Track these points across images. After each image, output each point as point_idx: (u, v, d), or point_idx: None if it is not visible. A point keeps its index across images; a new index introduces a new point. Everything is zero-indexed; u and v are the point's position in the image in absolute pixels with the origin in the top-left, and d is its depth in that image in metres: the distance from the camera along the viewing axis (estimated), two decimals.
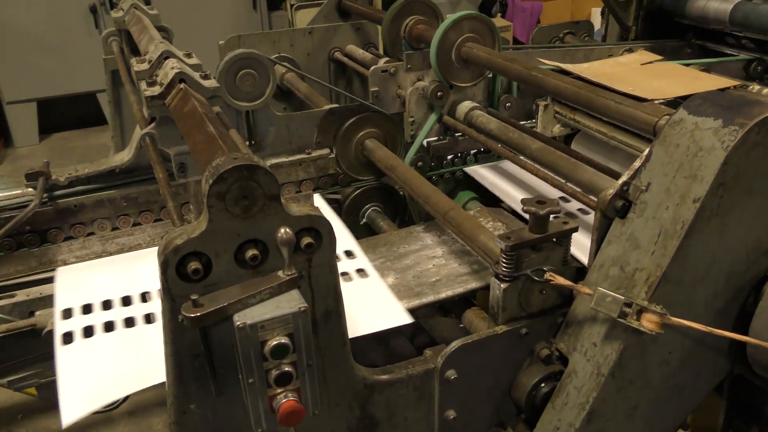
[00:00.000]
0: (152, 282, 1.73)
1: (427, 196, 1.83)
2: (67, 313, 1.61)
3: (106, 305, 1.65)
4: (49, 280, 1.80)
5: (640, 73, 2.17)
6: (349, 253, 1.77)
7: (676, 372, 1.37)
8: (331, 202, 2.28)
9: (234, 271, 1.13)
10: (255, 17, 6.44)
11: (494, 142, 2.11)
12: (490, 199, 2.22)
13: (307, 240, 1.15)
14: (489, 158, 2.37)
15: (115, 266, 1.86)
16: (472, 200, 2.32)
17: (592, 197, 1.68)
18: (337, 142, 2.19)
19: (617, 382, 1.31)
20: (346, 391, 1.35)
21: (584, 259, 1.45)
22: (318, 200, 2.09)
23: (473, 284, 1.71)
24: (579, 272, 1.43)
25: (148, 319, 1.60)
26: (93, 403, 1.34)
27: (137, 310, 1.63)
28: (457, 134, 2.31)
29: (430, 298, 1.67)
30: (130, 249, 2.01)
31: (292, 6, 5.34)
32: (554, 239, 1.37)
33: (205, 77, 1.76)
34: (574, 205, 2.01)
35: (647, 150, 1.30)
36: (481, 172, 2.30)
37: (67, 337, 1.52)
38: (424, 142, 2.31)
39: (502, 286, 1.36)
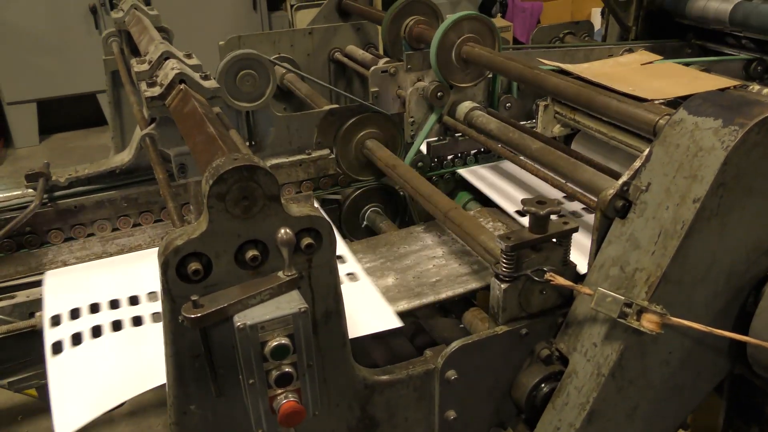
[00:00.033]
0: (141, 285, 1.73)
1: (428, 196, 1.83)
2: (56, 320, 1.60)
3: (94, 309, 1.64)
4: None
5: (640, 73, 2.17)
6: (338, 258, 1.76)
7: (677, 372, 1.37)
8: (331, 203, 2.28)
9: (234, 272, 1.13)
10: (255, 18, 6.44)
11: (494, 142, 2.11)
12: (488, 200, 2.22)
13: (307, 240, 1.15)
14: (489, 158, 2.37)
15: (105, 269, 1.85)
16: (471, 200, 2.32)
17: (592, 197, 1.68)
18: (337, 143, 2.19)
19: (617, 382, 1.31)
20: (347, 391, 1.35)
21: (584, 260, 1.45)
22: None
23: (473, 284, 1.71)
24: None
25: (138, 321, 1.59)
26: (87, 415, 1.33)
27: (126, 313, 1.62)
28: (457, 134, 2.31)
29: (430, 299, 1.67)
30: (131, 250, 2.01)
31: (292, 6, 5.33)
32: (554, 239, 1.37)
33: (205, 78, 1.76)
34: (574, 206, 2.01)
35: (647, 150, 1.30)
36: (478, 173, 2.30)
37: (57, 347, 1.51)
38: (425, 143, 2.31)
39: (503, 286, 1.36)
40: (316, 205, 2.09)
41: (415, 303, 1.66)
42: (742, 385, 1.51)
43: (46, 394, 1.41)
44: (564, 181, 1.81)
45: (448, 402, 1.43)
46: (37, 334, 1.67)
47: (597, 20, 5.79)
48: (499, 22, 6.56)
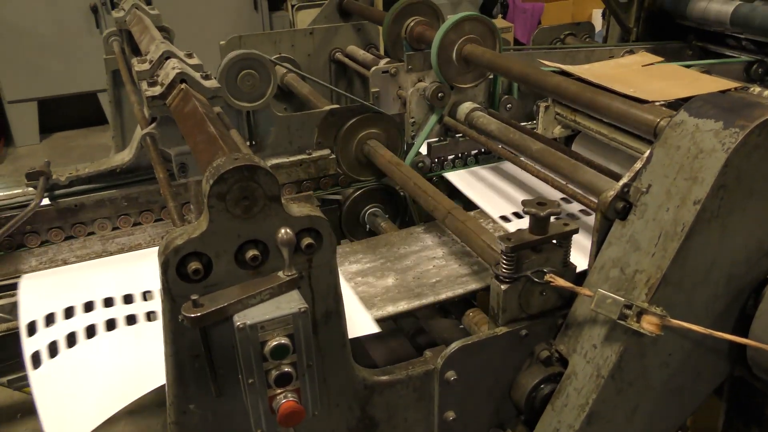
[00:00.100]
0: (117, 288, 1.72)
1: (428, 196, 1.83)
2: (31, 328, 1.58)
3: (70, 314, 1.62)
4: None
5: (640, 75, 2.17)
6: None
7: (676, 374, 1.37)
8: (331, 203, 2.28)
9: (234, 272, 1.13)
10: (256, 18, 6.44)
11: (495, 143, 2.11)
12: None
13: (307, 240, 1.15)
14: (489, 159, 2.37)
15: (82, 272, 1.85)
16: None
17: (592, 199, 1.68)
18: (337, 143, 2.19)
19: (617, 383, 1.31)
20: (346, 391, 1.35)
21: (585, 261, 1.45)
22: None
23: (473, 285, 1.71)
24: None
25: (110, 325, 1.58)
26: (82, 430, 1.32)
27: (99, 316, 1.61)
28: (457, 135, 2.31)
29: (430, 299, 1.67)
30: (131, 249, 2.01)
31: (293, 6, 5.33)
32: (555, 241, 1.37)
33: (206, 77, 1.76)
34: (574, 207, 2.01)
35: (648, 152, 1.30)
36: (465, 175, 2.28)
37: (36, 359, 1.49)
38: (425, 143, 2.31)
39: (503, 287, 1.36)
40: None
41: (415, 303, 1.66)
42: (742, 387, 1.51)
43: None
44: (564, 183, 1.81)
45: (448, 403, 1.43)
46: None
47: (598, 21, 5.79)
48: (499, 22, 6.56)
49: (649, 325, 1.21)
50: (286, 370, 1.10)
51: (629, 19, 2.96)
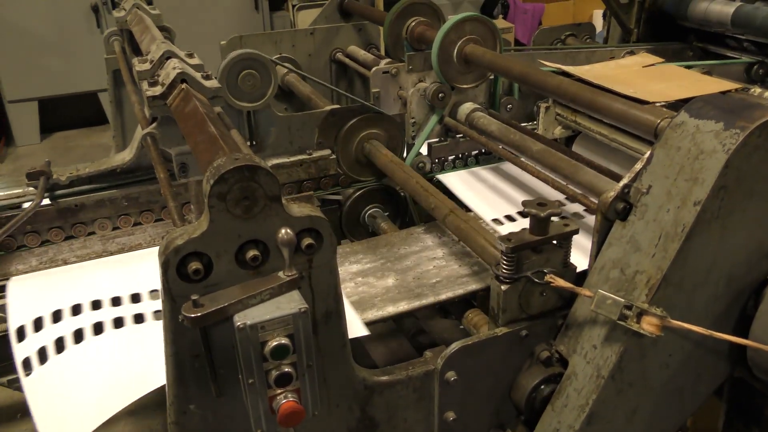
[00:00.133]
0: (106, 291, 1.72)
1: (428, 197, 1.83)
2: (21, 333, 1.57)
3: (56, 317, 1.62)
4: None
5: (641, 76, 2.17)
6: None
7: (676, 375, 1.37)
8: (332, 203, 2.28)
9: (235, 272, 1.13)
10: (257, 18, 6.43)
11: (495, 143, 2.11)
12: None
13: (307, 241, 1.15)
14: (490, 160, 2.37)
15: (70, 274, 1.85)
16: None
17: (593, 199, 1.68)
18: (338, 143, 2.19)
19: (617, 384, 1.31)
20: (346, 392, 1.35)
21: (585, 262, 1.45)
22: None
23: (473, 286, 1.71)
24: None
25: (98, 329, 1.58)
26: None
27: (86, 320, 1.61)
28: (458, 136, 2.31)
29: (430, 300, 1.67)
30: (131, 249, 2.01)
31: (293, 6, 5.33)
32: (555, 241, 1.37)
33: (207, 77, 1.76)
34: (575, 208, 2.01)
35: (648, 152, 1.30)
36: (461, 176, 2.28)
37: (26, 365, 1.49)
38: (426, 144, 2.31)
39: (503, 287, 1.36)
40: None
41: (415, 304, 1.66)
42: (742, 387, 1.50)
43: None
44: (565, 183, 1.81)
45: (448, 403, 1.43)
46: None
47: (598, 22, 5.79)
48: (500, 23, 6.56)
49: (649, 325, 1.21)
50: (286, 370, 1.10)
51: (630, 20, 2.96)
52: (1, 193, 1.91)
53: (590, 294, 1.28)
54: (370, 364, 1.43)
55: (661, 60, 2.37)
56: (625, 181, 1.32)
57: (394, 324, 1.96)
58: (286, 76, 2.84)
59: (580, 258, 1.49)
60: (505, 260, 1.34)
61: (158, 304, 1.69)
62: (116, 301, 1.70)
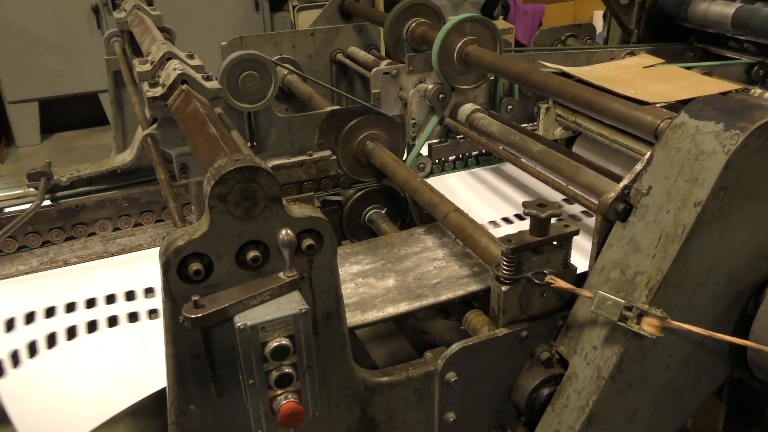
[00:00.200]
0: (80, 294, 1.72)
1: (428, 198, 1.83)
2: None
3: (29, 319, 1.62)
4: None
5: (641, 77, 2.17)
6: None
7: (677, 376, 1.37)
8: (332, 204, 2.28)
9: (235, 273, 1.13)
10: (257, 18, 6.44)
11: (496, 144, 2.11)
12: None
13: (308, 242, 1.15)
14: (490, 161, 2.38)
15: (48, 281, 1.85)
16: None
17: (593, 200, 1.68)
18: (338, 144, 2.19)
19: (617, 385, 1.31)
20: (347, 392, 1.35)
21: (585, 263, 1.45)
22: None
23: (474, 287, 1.71)
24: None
25: (71, 333, 1.58)
26: None
27: (60, 323, 1.61)
28: (458, 136, 2.31)
29: (430, 300, 1.67)
30: (132, 249, 2.01)
31: (294, 7, 5.34)
32: (555, 242, 1.37)
33: (207, 78, 1.76)
34: (575, 209, 2.01)
35: (648, 153, 1.30)
36: (455, 180, 2.28)
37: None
38: (426, 144, 2.31)
39: (503, 288, 1.36)
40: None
41: (416, 305, 1.66)
42: (743, 388, 1.51)
43: None
44: (565, 184, 1.81)
45: (448, 404, 1.43)
46: None
47: (599, 23, 5.80)
48: (500, 24, 6.57)
49: (649, 326, 1.21)
50: (287, 370, 1.10)
51: (630, 21, 2.97)
52: (2, 194, 1.92)
53: (590, 295, 1.28)
54: (371, 365, 1.43)
55: (661, 61, 2.38)
56: (625, 182, 1.32)
57: (394, 325, 1.95)
58: (287, 77, 2.84)
59: (580, 259, 1.49)
60: (505, 261, 1.34)
61: (149, 304, 1.70)
62: (90, 303, 1.70)
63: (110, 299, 1.72)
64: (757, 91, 2.10)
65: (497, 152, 2.09)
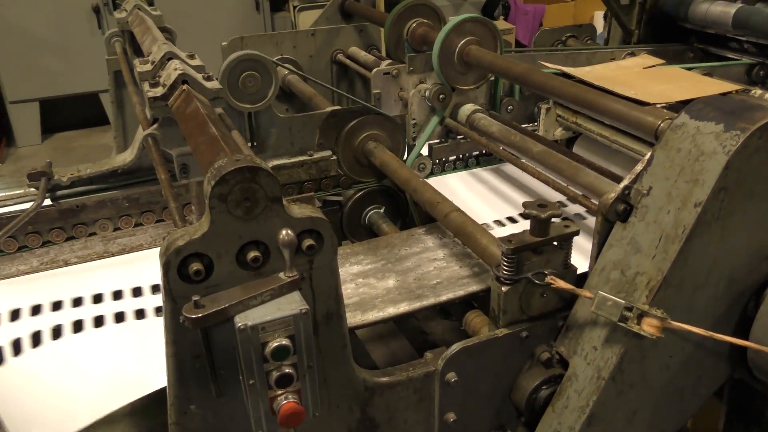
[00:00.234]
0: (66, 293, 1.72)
1: (429, 198, 1.83)
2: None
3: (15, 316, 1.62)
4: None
5: (642, 77, 2.17)
6: None
7: (677, 376, 1.37)
8: (332, 204, 2.28)
9: (235, 273, 1.13)
10: (258, 19, 6.44)
11: (496, 144, 2.11)
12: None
13: (308, 242, 1.15)
14: (490, 161, 2.38)
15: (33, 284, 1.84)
16: None
17: (593, 201, 1.68)
18: (339, 144, 2.19)
19: (617, 385, 1.31)
20: (347, 393, 1.35)
21: (585, 263, 1.45)
22: None
23: (474, 287, 1.71)
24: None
25: (72, 331, 1.58)
26: None
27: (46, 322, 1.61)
28: (459, 137, 2.32)
29: (431, 301, 1.67)
30: (132, 249, 2.01)
31: (294, 8, 5.34)
32: (555, 242, 1.37)
33: (208, 79, 1.76)
34: (575, 209, 2.01)
35: (649, 154, 1.30)
36: (456, 180, 2.28)
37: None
38: (426, 145, 2.31)
39: (503, 289, 1.36)
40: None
41: (416, 305, 1.66)
42: (743, 389, 1.51)
43: None
44: (565, 185, 1.81)
45: (448, 404, 1.43)
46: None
47: (599, 23, 5.79)
48: (501, 24, 6.57)
49: (649, 327, 1.21)
50: (287, 371, 1.10)
51: (631, 22, 2.97)
52: (3, 194, 1.92)
53: (591, 295, 1.28)
54: (371, 365, 1.43)
55: (661, 61, 2.38)
56: (625, 182, 1.32)
57: (394, 325, 1.95)
58: (287, 77, 2.84)
59: (580, 259, 1.49)
60: (505, 261, 1.34)
61: (149, 304, 1.70)
62: (91, 303, 1.70)
63: (111, 299, 1.72)
64: (757, 91, 2.10)
65: (497, 152, 2.09)
